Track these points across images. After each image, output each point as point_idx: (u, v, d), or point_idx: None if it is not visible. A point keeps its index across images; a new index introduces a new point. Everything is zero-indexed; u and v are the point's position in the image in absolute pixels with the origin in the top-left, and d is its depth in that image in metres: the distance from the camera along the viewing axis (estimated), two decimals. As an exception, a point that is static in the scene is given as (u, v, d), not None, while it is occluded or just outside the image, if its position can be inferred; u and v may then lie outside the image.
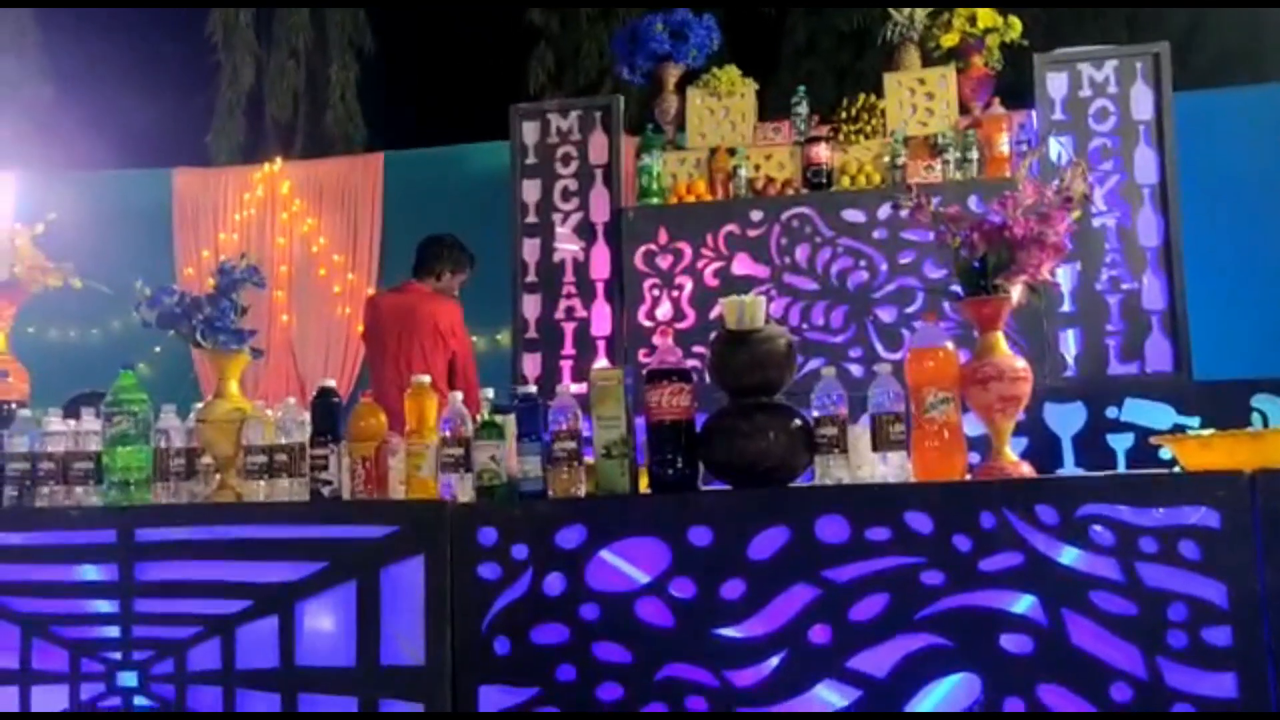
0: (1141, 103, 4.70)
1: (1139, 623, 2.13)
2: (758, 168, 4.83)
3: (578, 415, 2.48)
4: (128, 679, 2.50)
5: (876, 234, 4.60)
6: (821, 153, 4.69)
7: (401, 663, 2.38)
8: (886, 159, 4.72)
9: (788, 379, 2.46)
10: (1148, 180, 4.66)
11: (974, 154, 4.62)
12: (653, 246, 4.77)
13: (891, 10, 4.92)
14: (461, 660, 2.36)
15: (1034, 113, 4.80)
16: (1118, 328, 4.60)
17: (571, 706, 2.32)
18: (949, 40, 4.80)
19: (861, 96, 4.86)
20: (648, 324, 4.75)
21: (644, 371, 2.49)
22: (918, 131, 4.78)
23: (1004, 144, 4.64)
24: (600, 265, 5.00)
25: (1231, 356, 4.86)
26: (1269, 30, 7.85)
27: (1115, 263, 4.63)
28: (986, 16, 4.78)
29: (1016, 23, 4.80)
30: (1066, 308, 4.62)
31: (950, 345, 2.42)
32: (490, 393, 2.59)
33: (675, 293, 4.75)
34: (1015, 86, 4.98)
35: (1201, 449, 2.34)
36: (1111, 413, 4.22)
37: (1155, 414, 4.17)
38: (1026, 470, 2.39)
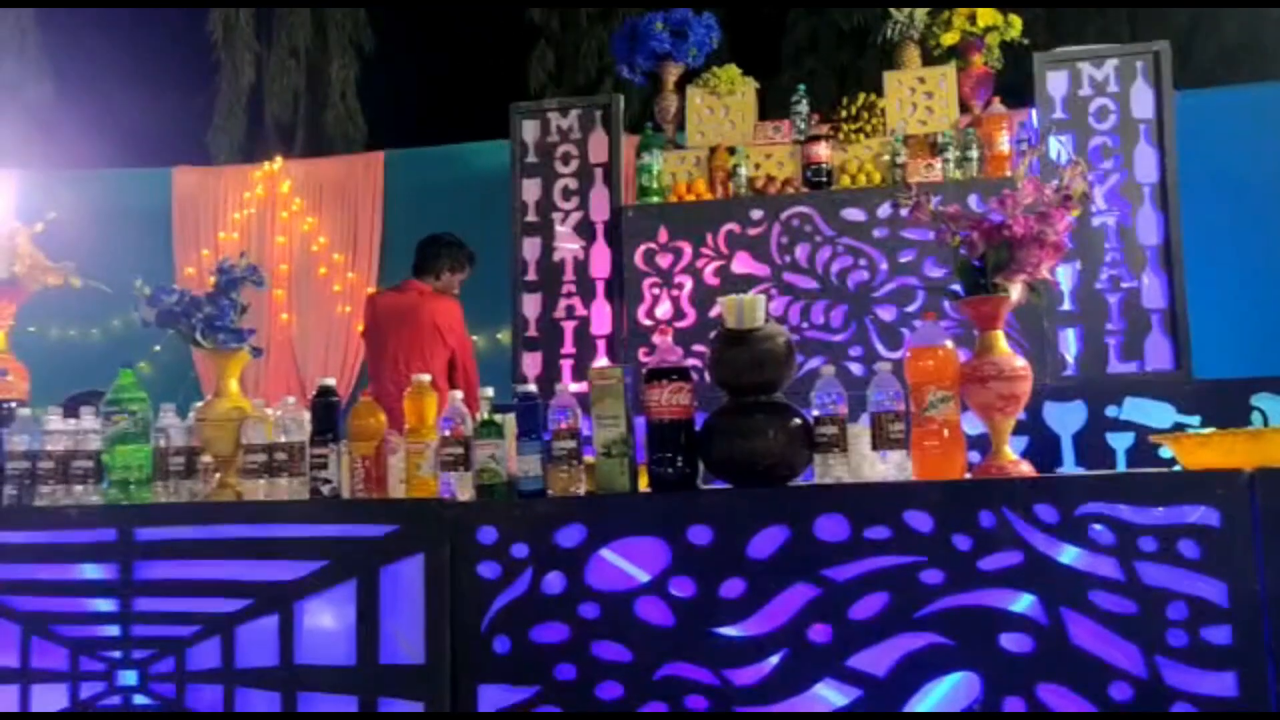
0: (1142, 101, 4.70)
1: (1139, 622, 2.13)
2: (758, 166, 4.83)
3: (577, 414, 2.48)
4: (128, 678, 2.50)
5: (876, 233, 4.59)
6: (821, 151, 4.69)
7: (401, 661, 2.38)
8: (886, 158, 4.72)
9: (787, 378, 2.46)
10: (1148, 179, 4.65)
11: (974, 153, 4.61)
12: (653, 245, 4.77)
13: (892, 9, 4.91)
14: (461, 659, 2.36)
15: (1034, 111, 4.80)
16: (1118, 326, 4.59)
17: (571, 705, 2.32)
18: (949, 39, 4.80)
19: (861, 95, 4.85)
20: (648, 323, 4.74)
21: (643, 370, 2.49)
22: (918, 130, 4.77)
23: (1004, 143, 4.63)
24: (600, 264, 4.99)
25: (1231, 355, 4.86)
26: (1270, 28, 7.85)
27: (1115, 261, 4.62)
28: (987, 15, 4.77)
29: (1017, 21, 4.80)
30: (1066, 306, 4.61)
31: (950, 344, 2.43)
32: (490, 391, 2.58)
33: (675, 291, 4.75)
34: (1015, 85, 4.98)
35: (1201, 448, 2.33)
36: (1111, 411, 4.22)
37: (1155, 413, 4.17)
38: (1026, 469, 2.39)
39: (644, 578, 2.33)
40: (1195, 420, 4.07)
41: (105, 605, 2.53)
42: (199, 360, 5.65)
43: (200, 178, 6.72)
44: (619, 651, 2.32)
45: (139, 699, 2.49)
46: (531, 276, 5.04)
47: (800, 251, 4.64)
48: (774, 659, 2.26)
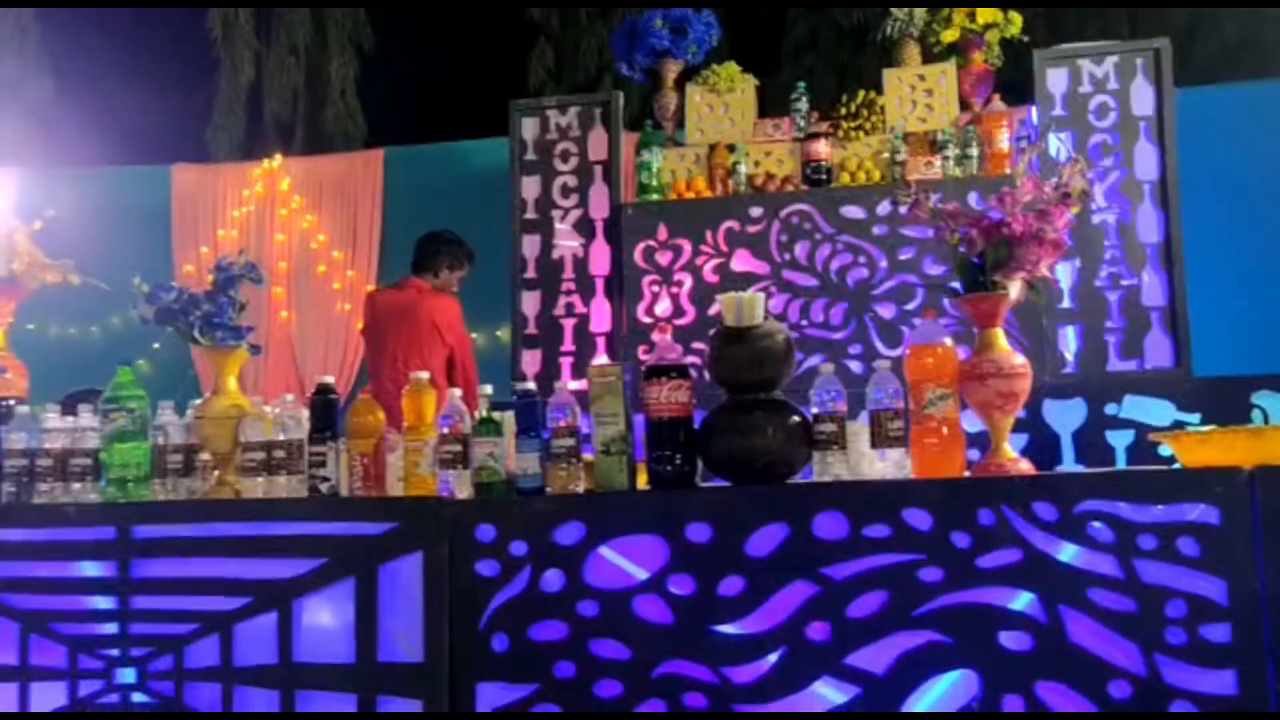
0: (1142, 99, 4.69)
1: (1138, 620, 2.13)
2: (757, 164, 4.83)
3: (576, 412, 2.48)
4: (126, 676, 2.50)
5: (876, 230, 4.59)
6: (821, 149, 4.68)
7: (400, 659, 2.38)
8: (886, 155, 4.71)
9: (786, 375, 2.46)
10: (1148, 176, 4.65)
11: (974, 150, 4.61)
12: (652, 243, 4.76)
13: (893, 9, 4.91)
14: (459, 657, 2.36)
15: (1034, 109, 4.79)
16: (1118, 324, 4.59)
17: (570, 703, 2.32)
18: (949, 36, 4.79)
19: (861, 93, 4.85)
20: (647, 320, 4.74)
21: (642, 368, 2.48)
22: (917, 128, 4.77)
23: (1004, 140, 4.63)
24: (600, 261, 4.99)
25: (1231, 353, 4.86)
26: (1270, 26, 7.84)
27: (1115, 259, 4.62)
28: (986, 12, 4.76)
29: (1017, 18, 4.79)
30: (1066, 304, 4.61)
31: (949, 341, 2.42)
32: (489, 389, 2.58)
33: (674, 289, 4.75)
34: (1015, 82, 4.97)
35: (1200, 445, 2.33)
36: (1111, 409, 4.22)
37: (1155, 410, 4.17)
38: (1025, 467, 2.38)
39: (643, 575, 2.33)
40: (1195, 418, 4.07)
41: (104, 603, 2.53)
42: (198, 358, 5.65)
43: (200, 175, 6.71)
44: (617, 649, 2.31)
45: (137, 697, 2.49)
46: (531, 274, 5.03)
47: (800, 249, 4.64)
48: (772, 657, 2.25)
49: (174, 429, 2.69)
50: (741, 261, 4.70)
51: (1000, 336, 2.43)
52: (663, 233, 4.76)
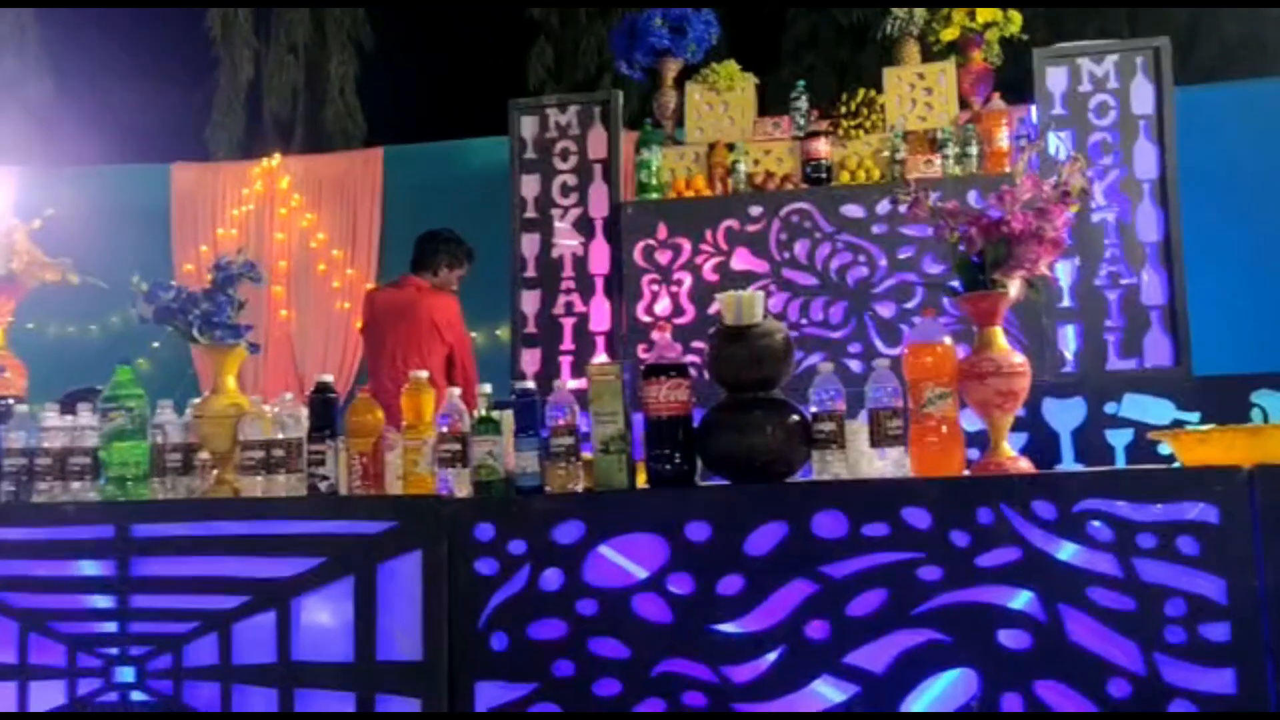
0: (1141, 97, 4.69)
1: (1137, 618, 2.13)
2: (757, 163, 4.82)
3: (575, 411, 2.48)
4: (125, 674, 2.50)
5: (876, 229, 4.59)
6: (821, 148, 4.68)
7: (399, 658, 2.38)
8: (886, 154, 4.71)
9: (785, 374, 2.46)
10: (1147, 175, 4.64)
11: (973, 149, 4.60)
12: (652, 242, 4.76)
13: (893, 9, 4.90)
14: (458, 656, 2.36)
15: (1034, 107, 4.79)
16: (1117, 323, 4.58)
17: (568, 702, 2.32)
18: (949, 35, 4.79)
19: (861, 91, 4.84)
20: (647, 319, 4.74)
21: (641, 367, 2.48)
22: (917, 126, 4.76)
23: (1003, 139, 4.62)
24: (599, 260, 4.99)
25: (1231, 351, 4.85)
26: (1270, 25, 7.84)
27: (1115, 258, 4.61)
28: (986, 11, 4.76)
29: (1016, 17, 4.79)
30: (1066, 303, 4.60)
31: (948, 340, 2.42)
32: (488, 388, 2.58)
33: (674, 288, 4.74)
34: (1015, 81, 4.97)
35: (1200, 444, 2.33)
36: (1111, 408, 4.21)
37: (1154, 409, 4.16)
38: (1024, 466, 2.38)
39: (642, 574, 2.33)
40: (1195, 417, 4.06)
41: (103, 602, 2.53)
42: (197, 357, 5.64)
43: (199, 174, 6.71)
44: (616, 648, 2.31)
45: (136, 695, 2.49)
46: (530, 273, 5.03)
47: (799, 248, 4.64)
48: (772, 655, 2.25)
49: (173, 428, 2.69)
50: (741, 260, 4.70)
51: (999, 335, 2.43)
52: (662, 231, 4.76)
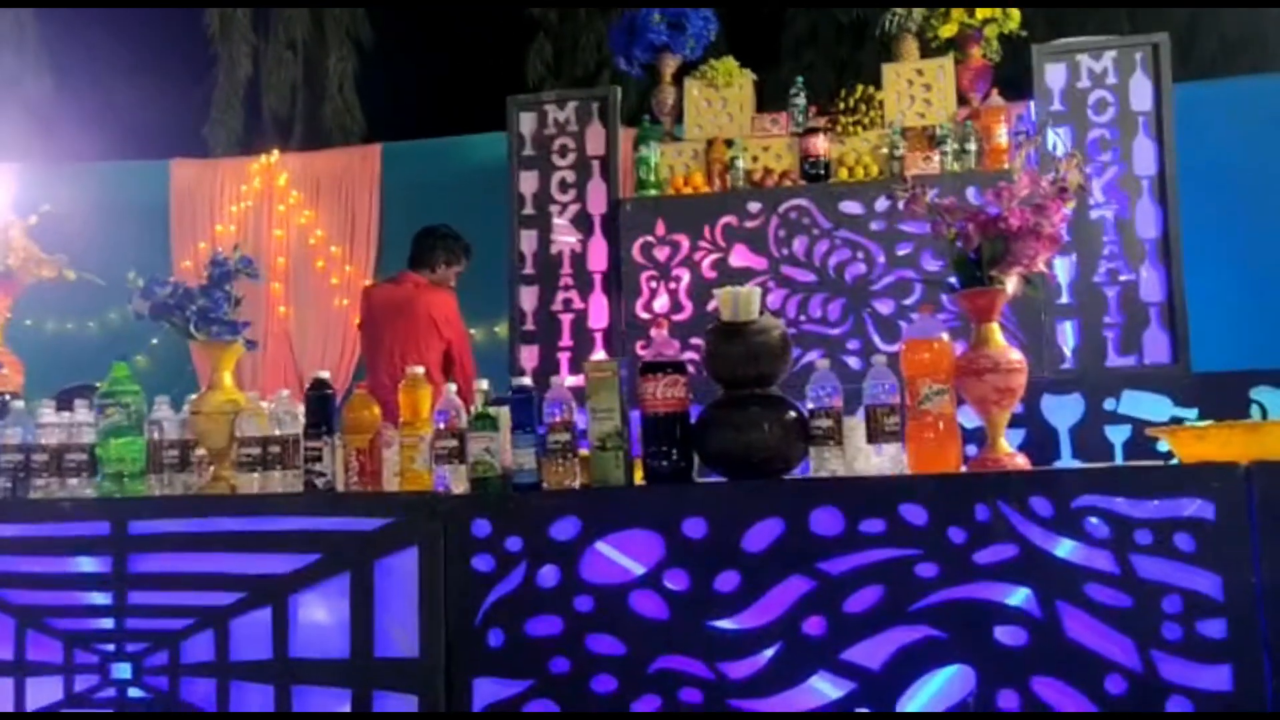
0: (1140, 94, 4.68)
1: (1134, 615, 2.13)
2: (755, 159, 4.82)
3: (572, 407, 2.48)
4: (122, 671, 2.50)
5: (874, 226, 4.58)
6: (819, 144, 4.67)
7: (395, 655, 2.38)
8: (884, 150, 4.70)
9: (782, 371, 2.46)
10: (1146, 172, 4.63)
11: (972, 145, 4.60)
12: (650, 238, 4.76)
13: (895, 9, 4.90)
14: (455, 652, 2.36)
15: (1032, 104, 4.78)
16: (1116, 320, 4.58)
17: (565, 698, 2.32)
18: (947, 31, 4.78)
19: (859, 88, 4.84)
20: (645, 316, 4.73)
21: (638, 363, 2.48)
22: (915, 123, 4.75)
23: (1002, 135, 4.62)
24: (598, 257, 4.98)
25: (1230, 348, 4.85)
26: (1271, 21, 7.83)
27: (1113, 254, 4.61)
28: (985, 8, 4.75)
29: (1015, 13, 4.78)
30: (1064, 300, 4.59)
31: (945, 337, 2.42)
32: (485, 384, 2.58)
33: (673, 285, 4.74)
34: (1014, 78, 4.96)
35: (1197, 441, 2.33)
36: (1109, 405, 4.21)
37: (1153, 406, 4.16)
38: (1021, 462, 2.38)
39: (638, 571, 2.32)
40: (1193, 413, 4.06)
41: (99, 598, 2.53)
42: (195, 353, 5.63)
43: (198, 170, 6.70)
44: (613, 645, 2.31)
45: (133, 692, 2.49)
46: (529, 269, 5.02)
47: (798, 244, 4.63)
48: (768, 652, 2.25)
49: (169, 424, 2.69)
50: (739, 257, 4.70)
51: (996, 332, 2.43)
52: (661, 228, 4.75)
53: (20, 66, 9.32)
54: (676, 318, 4.69)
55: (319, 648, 2.42)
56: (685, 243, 4.73)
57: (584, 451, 2.50)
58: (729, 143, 4.82)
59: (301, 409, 2.59)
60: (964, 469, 2.40)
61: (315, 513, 2.46)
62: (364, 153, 6.65)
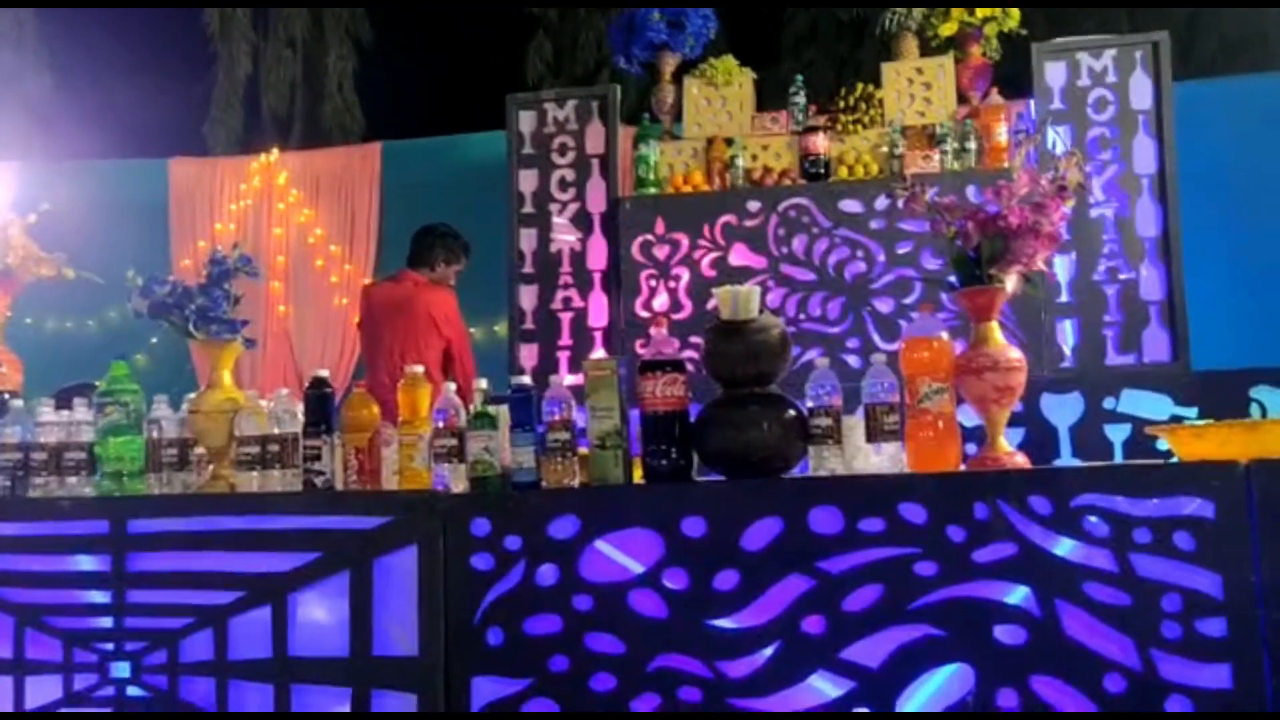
0: (1140, 92, 4.68)
1: (1133, 614, 2.13)
2: (755, 158, 4.81)
3: (571, 406, 2.48)
4: (121, 669, 2.50)
5: (874, 224, 4.58)
6: (819, 143, 4.67)
7: (394, 653, 2.38)
8: (884, 149, 4.70)
9: (782, 369, 2.46)
10: (1146, 170, 4.63)
11: (972, 144, 4.60)
12: (649, 237, 4.76)
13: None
14: (454, 651, 2.36)
15: (1032, 102, 4.78)
16: (1115, 318, 4.58)
17: (564, 697, 2.31)
18: (947, 30, 4.78)
19: (859, 86, 4.83)
20: (645, 315, 4.73)
21: (637, 362, 2.48)
22: (915, 121, 4.75)
23: (1002, 134, 4.62)
24: (597, 255, 4.98)
25: (1230, 347, 4.85)
26: (1271, 19, 7.82)
27: (1113, 253, 4.61)
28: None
29: (1015, 12, 4.78)
30: (1064, 298, 4.60)
31: (945, 335, 2.42)
32: (484, 383, 2.58)
33: (672, 283, 4.74)
34: (1014, 76, 4.96)
35: (1196, 439, 2.33)
36: (1109, 403, 4.22)
37: (1153, 405, 4.17)
38: (1021, 461, 2.38)
39: (638, 569, 2.32)
40: (1193, 412, 4.06)
41: (98, 597, 2.53)
42: (195, 352, 5.63)
43: (197, 169, 6.70)
44: (612, 643, 2.31)
45: (132, 691, 2.49)
46: (528, 268, 5.02)
47: (797, 243, 4.63)
48: (767, 651, 2.25)
49: (168, 423, 2.68)
50: (739, 255, 4.70)
51: (996, 330, 2.43)
52: (660, 227, 4.75)
53: (20, 64, 9.31)
54: (676, 316, 4.69)
55: (318, 646, 2.42)
56: (685, 241, 4.73)
57: (583, 450, 2.49)
58: (729, 141, 4.82)
59: (300, 408, 2.58)
60: (963, 468, 2.40)
61: (314, 512, 2.46)
62: (363, 151, 6.64)
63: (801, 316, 4.59)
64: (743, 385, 2.44)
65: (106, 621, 2.51)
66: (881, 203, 4.56)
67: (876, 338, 4.52)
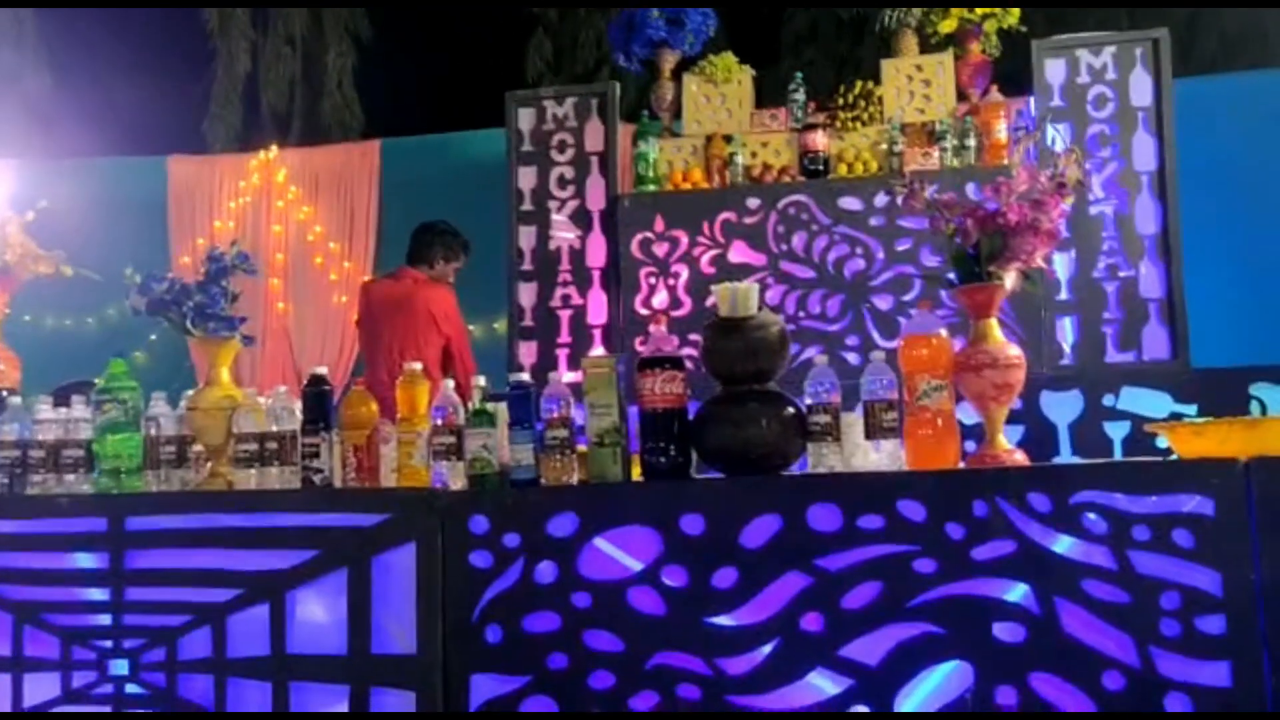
0: (1140, 89, 4.67)
1: (1132, 611, 2.12)
2: (754, 155, 4.81)
3: (570, 403, 2.48)
4: (119, 667, 2.49)
5: (873, 221, 4.58)
6: (818, 140, 4.67)
7: (393, 651, 2.37)
8: (884, 146, 4.70)
9: (780, 366, 2.46)
10: (1146, 167, 4.63)
11: (971, 141, 4.60)
12: (649, 234, 4.75)
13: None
14: (453, 648, 2.35)
15: (1032, 99, 4.78)
16: (1115, 315, 4.58)
17: (563, 695, 2.31)
18: (947, 26, 4.77)
19: (859, 83, 4.83)
20: (644, 312, 4.73)
21: (636, 359, 2.48)
22: (915, 118, 4.75)
23: (1001, 131, 4.61)
24: (596, 253, 4.98)
25: (1229, 344, 4.85)
26: (1272, 16, 7.82)
27: (1113, 250, 4.61)
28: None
29: (1015, 9, 4.77)
30: (1064, 295, 4.60)
31: (944, 332, 2.41)
32: (482, 380, 2.57)
33: (671, 281, 4.74)
34: (1013, 73, 4.95)
35: (1195, 437, 2.33)
36: (1109, 401, 4.22)
37: (1152, 402, 4.16)
38: (1020, 458, 2.38)
39: (636, 567, 2.32)
40: (1192, 409, 4.06)
41: (97, 594, 2.53)
42: (193, 349, 5.63)
43: (196, 166, 6.69)
44: (611, 641, 2.31)
45: (131, 688, 2.49)
46: (528, 265, 5.02)
47: (797, 240, 4.63)
48: (766, 648, 2.25)
49: (166, 420, 2.68)
50: (738, 253, 4.70)
51: (995, 328, 2.42)
52: (659, 224, 4.75)
53: (19, 62, 9.31)
54: (675, 313, 4.69)
55: (316, 644, 2.42)
56: (684, 238, 4.73)
57: (582, 447, 2.49)
58: (728, 138, 4.81)
59: (299, 405, 2.58)
60: (962, 465, 2.39)
61: (313, 509, 2.46)
62: (363, 149, 6.64)
63: (801, 314, 4.59)
64: (742, 382, 2.44)
65: (105, 619, 2.51)
66: (881, 200, 4.55)
67: (876, 335, 4.52)
